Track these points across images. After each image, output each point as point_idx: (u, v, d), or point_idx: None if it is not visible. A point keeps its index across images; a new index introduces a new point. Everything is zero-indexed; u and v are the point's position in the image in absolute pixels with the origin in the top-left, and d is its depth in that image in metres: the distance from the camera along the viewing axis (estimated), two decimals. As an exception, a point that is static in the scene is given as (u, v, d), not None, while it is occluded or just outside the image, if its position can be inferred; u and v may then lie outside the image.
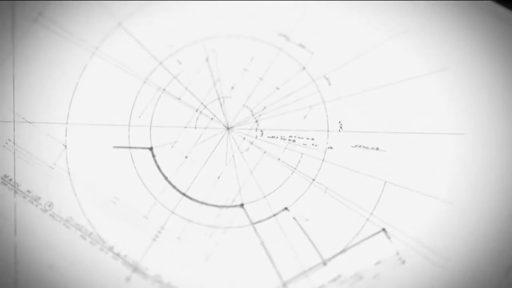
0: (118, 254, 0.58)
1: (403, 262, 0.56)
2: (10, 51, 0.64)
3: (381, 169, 0.59)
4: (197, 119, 0.62)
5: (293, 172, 0.60)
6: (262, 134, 0.61)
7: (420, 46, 0.63)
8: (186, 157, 0.61)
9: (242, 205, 0.59)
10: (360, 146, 0.60)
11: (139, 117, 0.62)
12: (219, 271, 0.58)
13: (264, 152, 0.61)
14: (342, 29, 0.64)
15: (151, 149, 0.62)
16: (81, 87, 0.64)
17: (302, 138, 0.61)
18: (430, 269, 0.56)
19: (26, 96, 0.63)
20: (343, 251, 0.57)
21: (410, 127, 0.61)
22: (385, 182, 0.59)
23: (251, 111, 0.62)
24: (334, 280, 0.56)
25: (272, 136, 0.61)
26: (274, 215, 0.59)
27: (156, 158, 0.61)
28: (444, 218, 0.57)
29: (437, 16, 0.64)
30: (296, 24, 0.65)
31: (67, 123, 0.63)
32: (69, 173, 0.61)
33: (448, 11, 0.64)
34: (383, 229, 0.57)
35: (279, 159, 0.60)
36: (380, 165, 0.59)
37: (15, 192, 0.60)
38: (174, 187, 0.61)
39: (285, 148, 0.61)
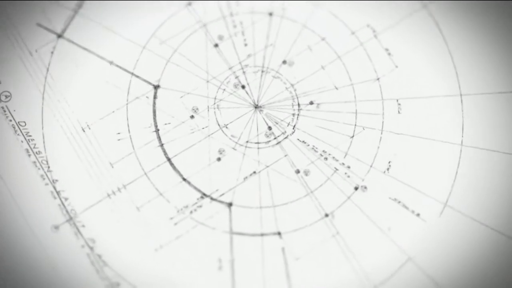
0: (58, 193, 0.51)
1: None
2: None
3: (411, 241, 0.51)
4: (226, 79, 0.55)
5: (307, 195, 0.52)
6: (293, 132, 0.54)
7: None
8: (192, 117, 0.54)
9: (230, 204, 0.52)
10: (399, 202, 0.52)
11: (161, 44, 0.56)
12: (165, 270, 0.50)
13: (285, 156, 0.53)
14: (445, 57, 0.55)
15: (156, 87, 0.54)
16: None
17: (337, 160, 0.53)
18: None
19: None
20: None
21: (470, 209, 0.52)
22: (409, 258, 0.51)
23: (293, 99, 0.55)
24: None
25: (304, 142, 0.54)
26: (262, 235, 0.51)
27: (157, 101, 0.54)
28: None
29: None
30: (396, 23, 0.57)
31: (73, 11, 0.55)
32: (47, 70, 0.54)
33: None
34: (380, 313, 0.50)
35: (298, 171, 0.53)
36: (413, 236, 0.51)
37: (-24, 61, 0.54)
38: (161, 145, 0.53)
39: (312, 162, 0.53)
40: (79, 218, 0.50)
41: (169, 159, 0.52)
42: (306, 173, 0.52)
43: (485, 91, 0.54)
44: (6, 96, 0.52)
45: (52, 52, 0.54)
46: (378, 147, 0.53)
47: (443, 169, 0.52)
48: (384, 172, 0.52)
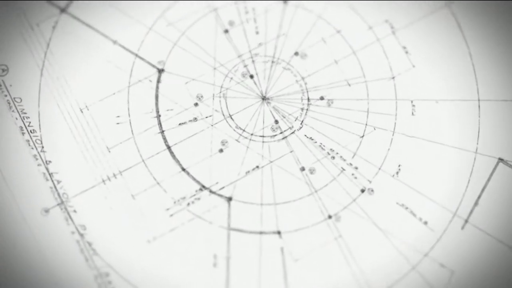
0: (51, 175, 0.49)
1: None
2: None
3: (416, 250, 0.49)
4: (234, 67, 0.53)
5: (311, 194, 0.50)
6: (301, 127, 0.52)
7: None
8: (196, 104, 0.52)
9: (230, 199, 0.50)
10: (407, 208, 0.50)
11: (168, 26, 0.54)
12: (157, 263, 0.48)
13: (291, 152, 0.52)
14: (465, 60, 0.54)
15: (160, 71, 0.53)
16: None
17: (345, 160, 0.51)
18: None
19: None
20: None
21: (480, 221, 0.50)
22: (413, 268, 0.49)
23: (303, 93, 0.53)
24: None
25: (311, 138, 0.52)
26: (261, 233, 0.49)
27: (161, 85, 0.52)
28: None
29: None
30: (416, 20, 0.55)
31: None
32: (48, 45, 0.52)
33: None
34: (379, 323, 0.49)
35: (303, 169, 0.51)
36: (419, 245, 0.49)
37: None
38: (162, 131, 0.51)
39: (318, 160, 0.51)
40: (71, 203, 0.48)
41: (169, 147, 0.50)
42: (312, 171, 0.50)
43: (504, 98, 0.52)
44: (3, 70, 0.51)
45: (54, 27, 0.52)
46: (389, 149, 0.51)
47: (455, 177, 0.50)
48: (393, 175, 0.50)
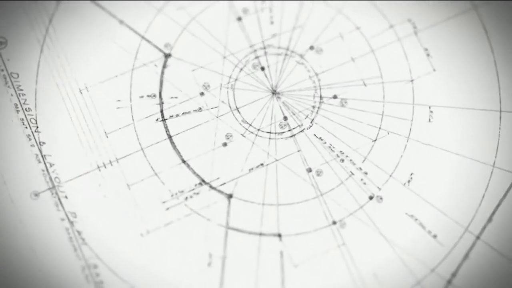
0: (44, 157, 0.48)
1: None
2: None
3: (423, 265, 0.48)
4: (245, 57, 0.52)
5: (316, 197, 0.49)
6: (310, 126, 0.51)
7: None
8: (202, 94, 0.51)
9: (230, 196, 0.49)
10: (416, 219, 0.48)
11: (178, 9, 0.53)
12: (149, 258, 0.46)
13: (298, 151, 0.50)
14: (489, 67, 0.52)
15: (167, 56, 0.51)
16: None
17: (355, 164, 0.50)
18: None
19: None
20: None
21: (492, 238, 0.48)
22: (418, 283, 0.47)
23: (315, 90, 0.52)
24: None
25: (320, 138, 0.50)
26: (260, 234, 0.48)
27: (166, 71, 0.51)
28: None
29: None
30: (441, 22, 0.53)
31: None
32: (50, 20, 0.51)
33: None
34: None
35: (310, 170, 0.49)
36: (426, 259, 0.48)
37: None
38: (163, 119, 0.50)
39: (327, 162, 0.50)
40: (63, 188, 0.47)
41: (170, 137, 0.49)
42: (319, 173, 0.49)
43: (528, 111, 0.51)
44: (1, 43, 0.50)
45: (58, 1, 0.51)
46: (402, 156, 0.50)
47: (470, 190, 0.49)
48: (404, 184, 0.49)
